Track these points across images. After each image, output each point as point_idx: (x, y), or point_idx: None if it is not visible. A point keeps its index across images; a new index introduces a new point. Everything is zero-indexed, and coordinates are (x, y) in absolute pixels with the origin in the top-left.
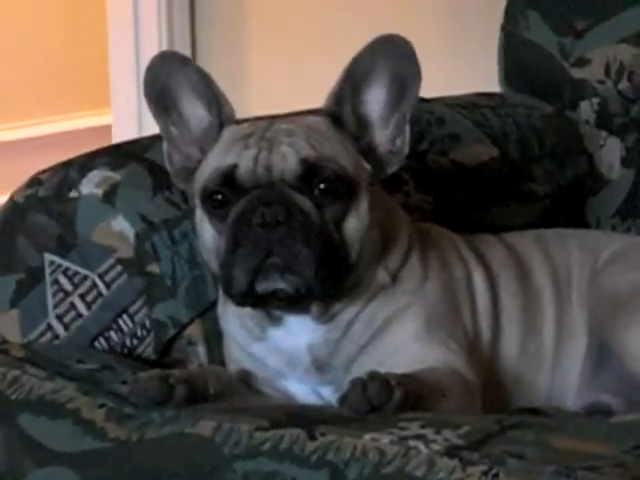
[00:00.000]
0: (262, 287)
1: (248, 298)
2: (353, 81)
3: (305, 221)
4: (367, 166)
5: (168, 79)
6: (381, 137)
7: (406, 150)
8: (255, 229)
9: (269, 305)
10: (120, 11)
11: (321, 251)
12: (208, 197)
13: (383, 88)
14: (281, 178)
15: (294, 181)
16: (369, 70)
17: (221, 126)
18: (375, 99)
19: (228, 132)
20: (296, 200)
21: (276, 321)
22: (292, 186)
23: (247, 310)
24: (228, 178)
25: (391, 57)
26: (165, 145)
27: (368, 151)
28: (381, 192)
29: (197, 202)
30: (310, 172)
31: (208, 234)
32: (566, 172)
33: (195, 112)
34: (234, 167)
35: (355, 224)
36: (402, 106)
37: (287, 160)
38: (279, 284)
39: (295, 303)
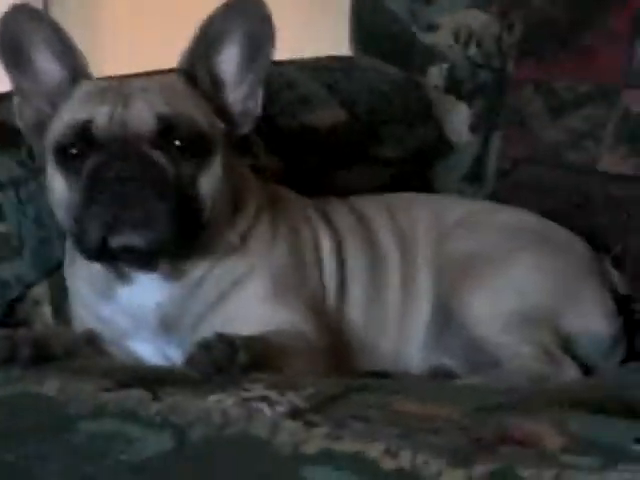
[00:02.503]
0: (115, 242)
1: (100, 254)
2: (207, 40)
3: (160, 177)
4: (221, 125)
5: (20, 32)
6: (234, 97)
7: (258, 111)
8: (109, 184)
9: (120, 261)
10: None
11: (175, 207)
12: (61, 151)
13: (237, 48)
14: (137, 134)
15: (150, 137)
16: (223, 29)
17: (74, 81)
18: (229, 59)
19: (82, 87)
20: (151, 155)
21: (125, 279)
22: (147, 142)
23: (96, 269)
24: (83, 132)
25: (246, 17)
26: (16, 99)
27: (222, 111)
28: (232, 155)
29: (49, 157)
30: (166, 128)
31: (60, 189)
32: (414, 137)
33: (48, 66)
34: (89, 122)
35: (209, 182)
36: (256, 67)
37: (143, 116)
38: (132, 240)
39: (146, 260)
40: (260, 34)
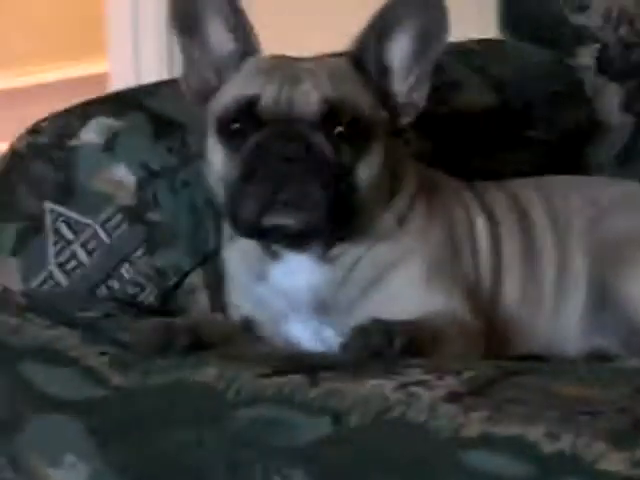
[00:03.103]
0: (270, 221)
1: (254, 230)
2: (380, 28)
3: (321, 160)
4: (384, 114)
5: (196, 1)
6: (400, 87)
7: (423, 103)
8: (269, 162)
9: (272, 240)
10: None
11: (332, 192)
12: (224, 125)
13: (408, 39)
14: (301, 115)
15: (313, 119)
16: (397, 19)
17: (244, 55)
18: (399, 48)
19: (251, 63)
20: (314, 138)
21: (276, 258)
22: (311, 124)
23: (251, 248)
24: (248, 108)
25: (421, 10)
26: (184, 65)
27: (386, 99)
28: (391, 138)
29: (210, 129)
30: (330, 112)
31: (219, 163)
32: (566, 118)
33: (219, 37)
34: (256, 98)
35: (367, 169)
36: (425, 59)
37: (309, 97)
38: (286, 220)
39: (298, 241)
40: (434, 27)
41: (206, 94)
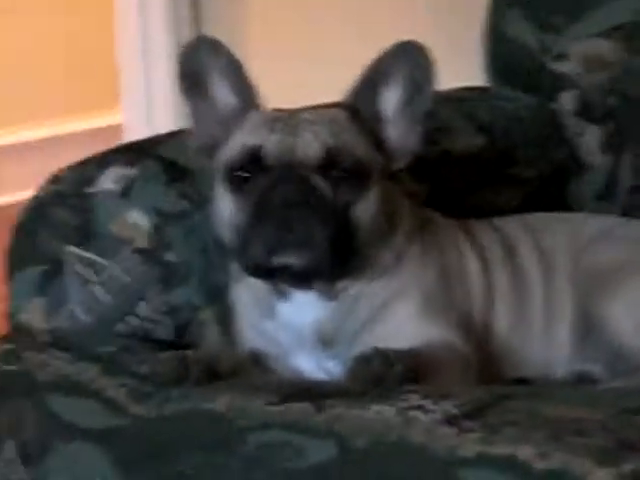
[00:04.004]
0: (276, 261)
1: (262, 270)
2: (372, 79)
3: (321, 203)
4: (379, 158)
5: (200, 61)
6: (393, 133)
7: (417, 147)
8: (275, 206)
9: (279, 279)
10: (128, 19)
11: (333, 231)
12: (232, 173)
13: (399, 89)
14: (302, 161)
15: (314, 165)
16: (388, 72)
17: (246, 109)
18: (391, 98)
19: (253, 116)
20: (315, 183)
21: (283, 296)
22: (312, 169)
23: (258, 287)
24: (253, 157)
25: (410, 62)
26: (191, 121)
27: (381, 145)
28: (387, 181)
29: (218, 178)
30: (330, 158)
31: (228, 209)
32: (549, 158)
33: (223, 94)
34: (260, 147)
35: (365, 210)
36: (415, 107)
37: (310, 145)
38: (292, 259)
39: (303, 279)
40: (422, 78)
41: (212, 147)
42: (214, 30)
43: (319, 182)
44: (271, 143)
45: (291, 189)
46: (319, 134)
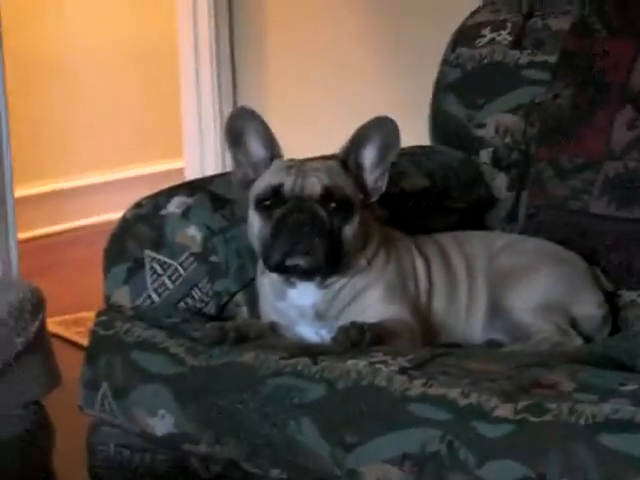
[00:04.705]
0: (289, 262)
1: (279, 268)
2: (357, 142)
3: (321, 225)
4: (360, 195)
5: (242, 125)
6: (370, 178)
7: (384, 188)
8: (290, 226)
9: (290, 275)
10: (188, 95)
11: (328, 244)
12: (260, 202)
13: (375, 148)
14: (309, 196)
15: (317, 198)
16: (367, 136)
17: (271, 158)
18: (369, 155)
19: (276, 163)
20: (317, 211)
21: (292, 285)
22: (315, 201)
23: (275, 279)
24: (275, 192)
25: (383, 131)
26: (233, 167)
27: (361, 186)
28: (364, 210)
29: (251, 205)
30: (327, 194)
31: (257, 227)
32: (472, 195)
33: (256, 148)
34: (280, 185)
35: (350, 230)
36: (385, 161)
37: (314, 185)
38: (300, 261)
39: (307, 275)
40: (390, 142)
41: (247, 184)
42: (247, 102)
43: (320, 211)
44: (288, 183)
45: (301, 215)
46: (320, 177)
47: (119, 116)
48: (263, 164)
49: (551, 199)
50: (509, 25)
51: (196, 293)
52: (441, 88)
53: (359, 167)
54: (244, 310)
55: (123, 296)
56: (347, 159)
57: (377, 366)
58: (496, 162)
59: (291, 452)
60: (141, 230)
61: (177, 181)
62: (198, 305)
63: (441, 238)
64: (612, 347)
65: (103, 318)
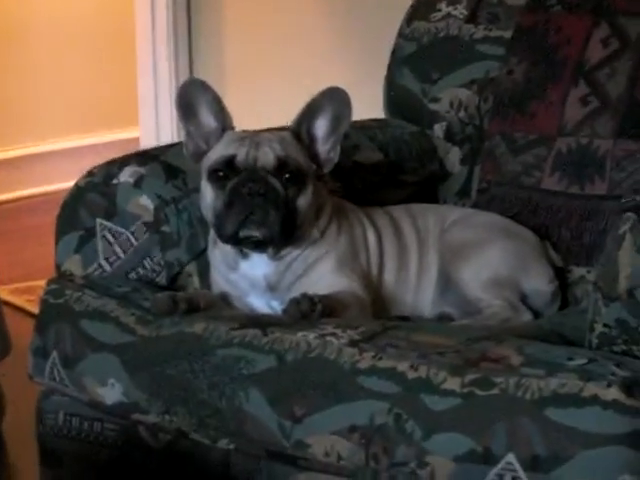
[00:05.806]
0: (243, 233)
1: (232, 239)
2: (309, 113)
3: (275, 195)
4: (313, 166)
5: (192, 96)
6: (322, 149)
7: (336, 159)
8: (243, 196)
9: (243, 245)
10: (145, 56)
11: (282, 215)
12: (213, 173)
13: (326, 120)
14: (263, 166)
15: (270, 169)
16: (319, 107)
17: (223, 130)
18: (321, 126)
19: (228, 135)
20: (270, 181)
21: (245, 256)
22: (268, 172)
23: (227, 250)
24: (228, 163)
25: (334, 101)
26: (184, 138)
27: (314, 157)
28: (317, 181)
29: (203, 176)
30: (280, 165)
31: (210, 198)
32: (425, 169)
33: (207, 119)
34: (233, 156)
35: (304, 201)
36: (337, 132)
37: (267, 156)
38: (254, 232)
39: (260, 246)
40: (342, 113)
41: (199, 155)
42: (203, 73)
43: (273, 181)
44: (241, 153)
45: (255, 186)
46: (274, 148)
47: (76, 84)
48: (215, 135)
49: (503, 174)
50: None
51: (148, 263)
52: (396, 61)
53: (311, 138)
54: (195, 280)
55: (74, 264)
56: (300, 130)
57: (327, 338)
58: (450, 136)
59: (239, 422)
60: (93, 199)
61: (134, 150)
62: (150, 275)
63: (394, 210)
64: (560, 323)
65: (54, 286)
